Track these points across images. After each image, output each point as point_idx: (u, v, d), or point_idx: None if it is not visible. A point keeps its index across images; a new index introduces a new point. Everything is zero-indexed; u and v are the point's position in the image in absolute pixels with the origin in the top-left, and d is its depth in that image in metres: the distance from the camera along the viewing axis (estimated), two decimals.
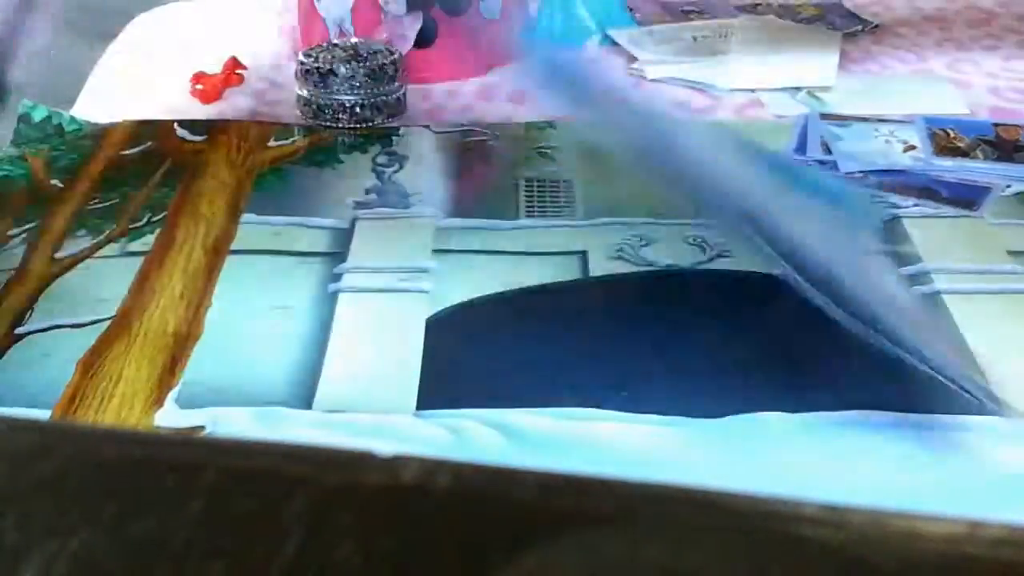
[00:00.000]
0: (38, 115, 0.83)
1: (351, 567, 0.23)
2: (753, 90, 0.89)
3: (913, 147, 0.79)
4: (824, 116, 0.84)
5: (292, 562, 0.23)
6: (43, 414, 0.56)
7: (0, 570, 0.21)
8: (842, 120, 0.83)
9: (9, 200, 0.74)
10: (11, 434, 0.23)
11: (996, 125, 0.82)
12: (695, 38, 0.99)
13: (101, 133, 0.82)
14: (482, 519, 0.24)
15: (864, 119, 0.84)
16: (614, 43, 0.97)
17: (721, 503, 0.25)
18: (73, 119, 0.83)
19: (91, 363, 0.59)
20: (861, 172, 0.76)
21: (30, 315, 0.63)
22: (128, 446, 0.23)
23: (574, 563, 0.24)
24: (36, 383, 0.58)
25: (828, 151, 0.78)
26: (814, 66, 0.91)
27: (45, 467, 0.23)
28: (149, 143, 0.81)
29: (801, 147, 0.79)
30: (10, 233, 0.70)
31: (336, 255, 0.69)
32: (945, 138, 0.80)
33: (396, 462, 0.24)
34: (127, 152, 0.80)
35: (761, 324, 0.62)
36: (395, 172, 0.78)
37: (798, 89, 0.88)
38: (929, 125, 0.82)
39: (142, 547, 0.22)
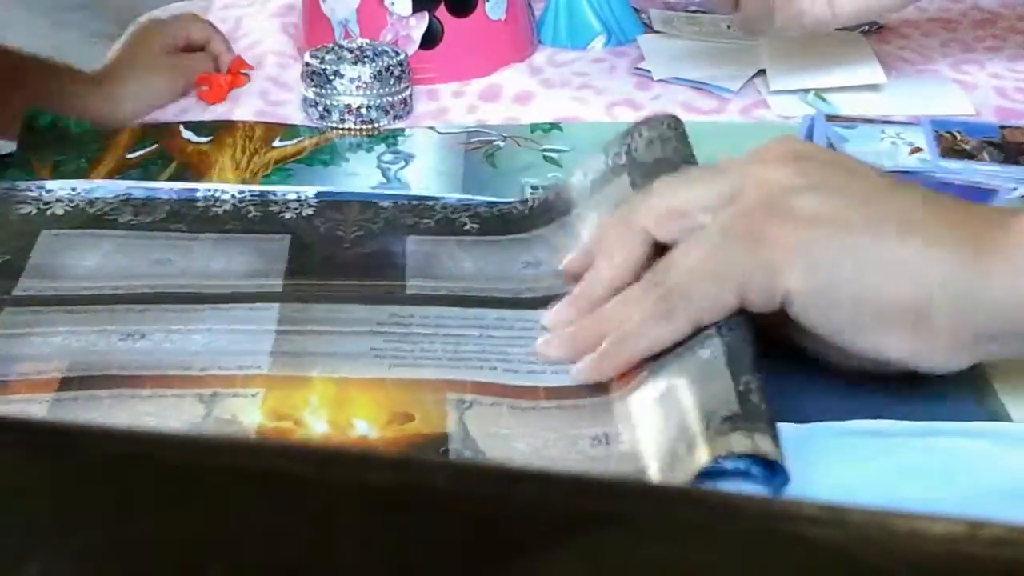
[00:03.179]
0: (44, 121, 0.83)
1: (351, 567, 0.23)
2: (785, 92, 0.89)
3: (919, 149, 0.79)
4: (830, 118, 0.84)
5: (292, 562, 0.23)
6: None
7: (0, 570, 0.21)
8: (848, 121, 0.83)
9: None
10: (10, 434, 0.23)
11: (1002, 128, 0.82)
12: (728, 26, 0.99)
13: (106, 136, 0.82)
14: (483, 519, 0.24)
15: (870, 121, 0.84)
16: (619, 43, 0.97)
17: (721, 503, 0.25)
18: (78, 123, 0.83)
19: None
20: None
21: None
22: (127, 446, 0.23)
23: (574, 563, 0.24)
24: None
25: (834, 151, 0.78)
26: (858, 65, 0.91)
27: (45, 467, 0.23)
28: (155, 145, 0.82)
29: None
30: None
31: None
32: (951, 140, 0.80)
33: (397, 463, 0.24)
34: (132, 156, 0.80)
35: None
36: (401, 169, 0.78)
37: (807, 91, 0.88)
38: (935, 127, 0.82)
39: (142, 547, 0.22)
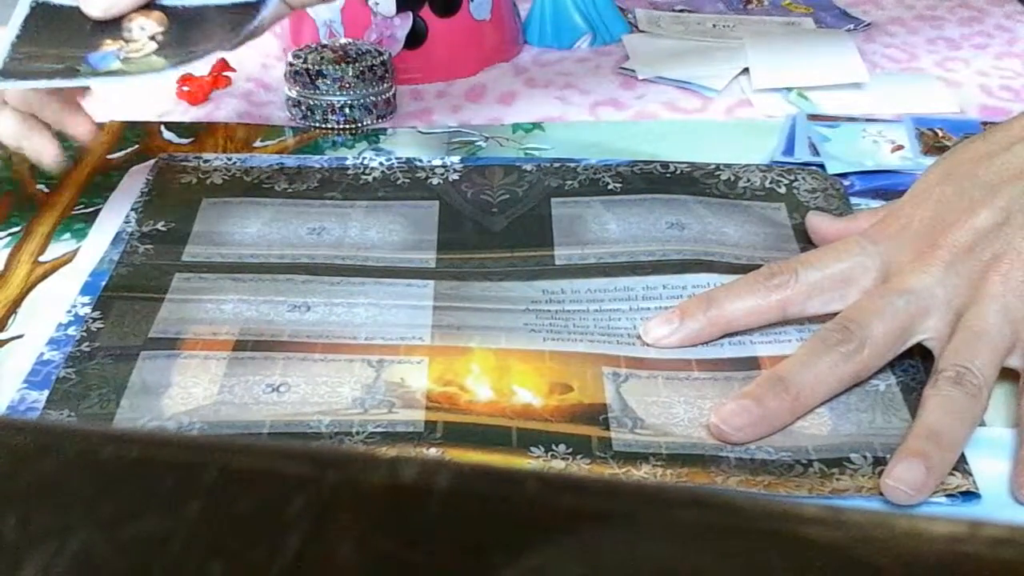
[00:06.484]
0: None
1: (351, 567, 0.23)
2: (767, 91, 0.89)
3: (901, 147, 0.80)
4: (812, 117, 0.84)
5: (292, 562, 0.22)
6: None
7: (0, 570, 0.21)
8: (830, 120, 0.83)
9: None
10: (11, 434, 0.23)
11: (984, 124, 0.82)
12: (714, 25, 0.99)
13: None
14: (482, 519, 0.24)
15: (852, 119, 0.84)
16: (605, 42, 0.97)
17: (721, 503, 0.25)
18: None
19: None
20: (848, 173, 0.76)
21: (12, 320, 0.63)
22: (128, 446, 0.23)
23: (574, 563, 0.24)
24: None
25: (816, 152, 0.78)
26: (841, 63, 0.91)
27: (45, 467, 0.23)
28: (135, 145, 0.81)
29: (789, 148, 0.79)
30: None
31: None
32: (933, 138, 0.80)
33: (396, 462, 0.24)
34: (113, 156, 0.80)
35: None
36: None
37: (790, 89, 0.88)
38: (917, 125, 0.82)
39: (142, 547, 0.22)
